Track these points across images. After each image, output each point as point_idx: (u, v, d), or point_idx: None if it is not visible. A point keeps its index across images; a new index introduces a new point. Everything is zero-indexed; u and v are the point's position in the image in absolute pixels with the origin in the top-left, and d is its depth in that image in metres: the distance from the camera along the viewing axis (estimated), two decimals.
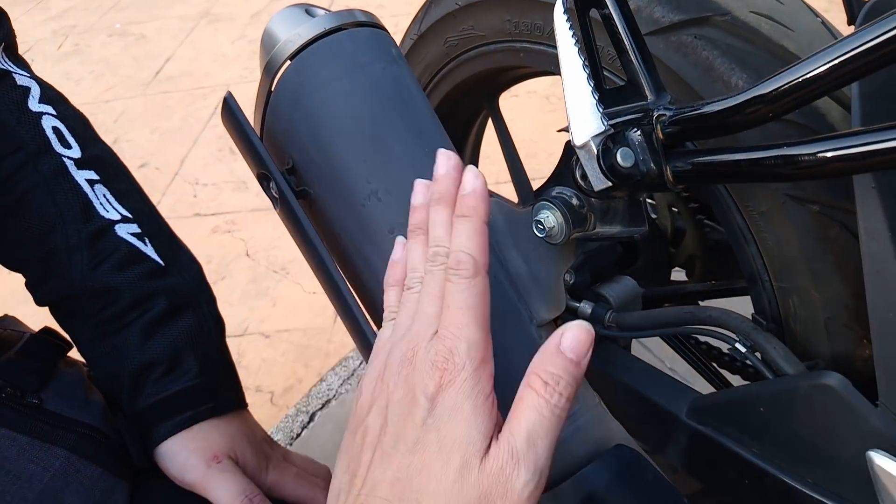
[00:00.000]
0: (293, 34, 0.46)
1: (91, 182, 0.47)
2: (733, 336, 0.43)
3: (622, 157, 0.32)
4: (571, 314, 0.51)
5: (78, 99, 0.52)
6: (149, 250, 0.47)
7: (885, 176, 0.34)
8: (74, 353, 0.50)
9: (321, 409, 1.03)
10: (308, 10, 0.49)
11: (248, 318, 1.20)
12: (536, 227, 0.39)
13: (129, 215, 0.48)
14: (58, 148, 0.47)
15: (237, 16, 2.44)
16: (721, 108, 0.30)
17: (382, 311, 0.43)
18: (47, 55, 2.41)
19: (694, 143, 0.37)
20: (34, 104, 0.47)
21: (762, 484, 0.42)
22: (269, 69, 0.47)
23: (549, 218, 0.38)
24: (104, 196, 0.48)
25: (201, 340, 0.46)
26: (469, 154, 0.76)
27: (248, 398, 0.50)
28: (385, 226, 0.42)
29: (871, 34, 0.24)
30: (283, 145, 0.46)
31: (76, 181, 0.46)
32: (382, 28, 0.48)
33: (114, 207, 0.48)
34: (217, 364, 0.46)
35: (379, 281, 0.43)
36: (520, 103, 1.65)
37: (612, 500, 0.40)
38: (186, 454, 0.42)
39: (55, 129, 0.48)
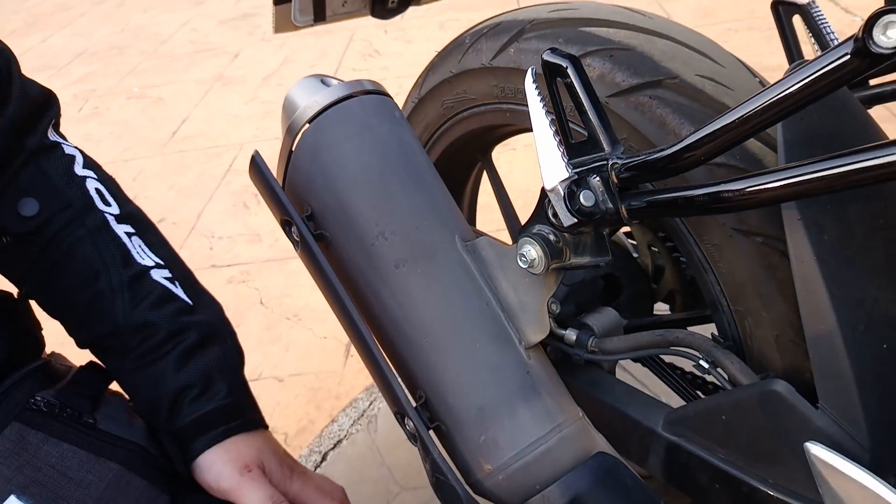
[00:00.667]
0: (311, 101, 0.54)
1: (128, 234, 0.54)
2: (697, 354, 0.49)
3: (584, 198, 0.39)
4: (558, 340, 0.57)
5: (99, 159, 0.59)
6: (179, 291, 0.54)
7: (808, 209, 0.40)
8: (114, 386, 0.56)
9: (333, 448, 1.07)
10: (323, 81, 0.57)
11: (263, 363, 1.25)
12: (520, 259, 0.46)
13: (161, 262, 0.54)
14: (100, 206, 0.54)
15: (249, 79, 2.58)
16: (662, 156, 0.37)
17: (396, 342, 0.49)
18: (69, 118, 2.54)
19: (651, 184, 0.44)
20: (79, 169, 0.55)
21: (729, 487, 0.47)
22: (290, 131, 0.55)
23: (531, 251, 0.45)
24: (140, 246, 0.54)
25: (227, 366, 0.51)
26: (467, 203, 0.84)
27: None
28: (391, 262, 0.49)
29: (760, 99, 0.31)
30: (302, 195, 0.53)
31: (116, 234, 0.53)
32: (387, 94, 0.55)
33: (148, 255, 0.54)
34: (242, 387, 0.52)
35: (389, 315, 0.49)
36: (517, 156, 1.74)
37: (594, 502, 0.45)
38: (221, 465, 0.47)
39: (97, 190, 0.55)
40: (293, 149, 0.55)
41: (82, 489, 0.43)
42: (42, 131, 0.52)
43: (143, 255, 0.54)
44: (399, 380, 0.49)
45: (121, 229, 0.54)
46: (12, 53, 0.51)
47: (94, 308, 0.51)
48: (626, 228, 0.74)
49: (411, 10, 0.76)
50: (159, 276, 0.53)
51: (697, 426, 0.48)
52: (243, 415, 0.50)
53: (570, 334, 0.56)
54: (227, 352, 0.53)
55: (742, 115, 0.33)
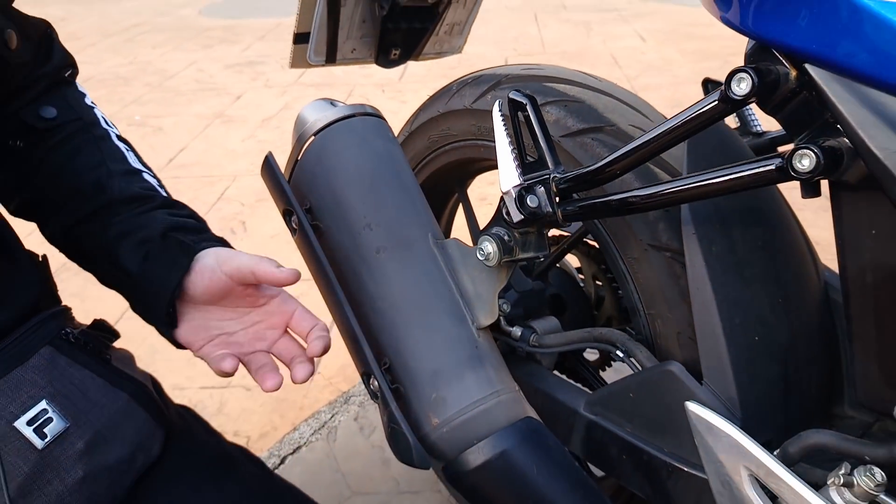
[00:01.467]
0: (320, 117, 0.66)
1: (126, 148, 0.62)
2: (615, 346, 0.59)
3: (531, 201, 0.51)
4: (506, 336, 0.67)
5: None
6: (164, 192, 0.62)
7: (701, 226, 0.52)
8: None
9: (292, 453, 1.13)
10: (331, 102, 0.69)
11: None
12: (479, 253, 0.57)
13: (150, 171, 0.62)
14: (104, 125, 0.62)
15: (250, 119, 2.73)
16: (588, 171, 0.49)
17: (370, 315, 0.59)
18: None
19: (578, 194, 0.56)
20: (88, 101, 0.63)
21: (633, 456, 0.57)
22: (300, 140, 0.66)
23: (488, 246, 0.56)
24: (133, 157, 0.62)
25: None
26: (444, 226, 0.95)
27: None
28: (374, 248, 0.59)
29: (659, 129, 0.44)
30: (304, 193, 0.64)
31: (116, 144, 0.61)
32: (383, 118, 0.68)
33: (140, 163, 0.62)
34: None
35: (366, 292, 0.59)
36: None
37: (519, 455, 0.54)
38: (235, 254, 0.56)
39: (102, 116, 0.63)
40: (300, 156, 0.66)
41: (97, 409, 0.51)
42: (65, 72, 0.62)
43: (137, 162, 0.62)
44: (368, 347, 0.58)
45: (119, 143, 0.62)
46: (51, 24, 0.62)
47: (94, 187, 0.58)
48: (577, 263, 0.86)
49: (410, 73, 0.89)
50: (149, 177, 0.62)
51: (611, 404, 0.58)
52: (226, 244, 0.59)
53: (516, 331, 0.67)
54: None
55: (644, 141, 0.45)
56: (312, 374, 0.59)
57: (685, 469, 0.53)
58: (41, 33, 0.60)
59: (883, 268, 0.41)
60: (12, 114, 0.58)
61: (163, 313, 0.55)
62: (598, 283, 0.84)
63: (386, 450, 1.13)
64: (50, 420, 0.49)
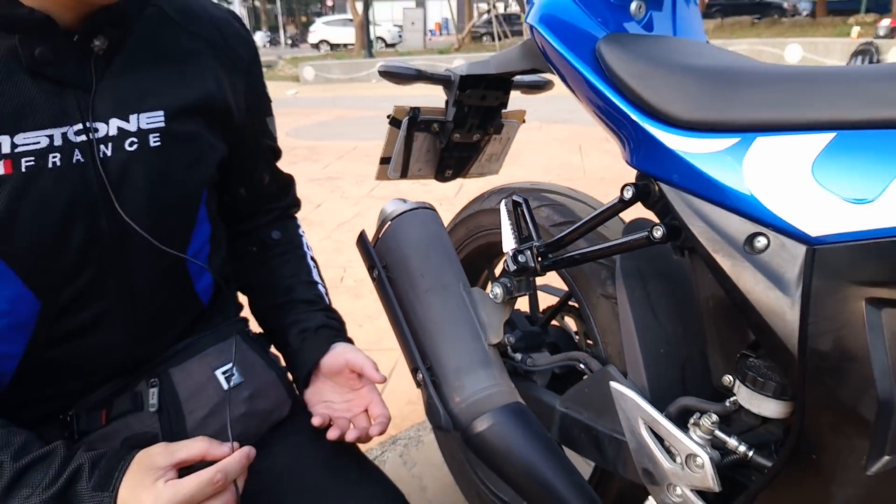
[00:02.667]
0: (395, 208, 1.02)
1: (313, 266, 0.95)
2: (580, 362, 0.89)
3: (521, 258, 0.84)
4: (510, 359, 0.98)
5: None
6: (327, 299, 0.94)
7: (628, 278, 0.84)
8: None
9: None
10: (403, 201, 1.06)
11: None
12: (491, 294, 0.90)
13: (323, 285, 0.94)
14: (306, 250, 0.96)
15: (326, 223, 3.20)
16: (552, 241, 0.82)
17: (419, 332, 0.91)
18: None
19: (550, 255, 0.88)
20: (301, 231, 0.98)
21: (587, 434, 0.85)
22: (382, 223, 1.03)
23: (496, 289, 0.89)
24: (317, 273, 0.94)
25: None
26: None
27: None
28: (424, 289, 0.93)
29: (590, 217, 0.77)
30: (382, 255, 0.99)
31: (310, 263, 0.94)
32: (436, 211, 1.04)
33: (319, 278, 0.94)
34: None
35: (417, 317, 0.92)
36: None
37: (509, 424, 0.83)
38: (355, 351, 0.82)
39: (306, 244, 0.97)
40: (381, 233, 1.03)
41: (258, 377, 0.82)
42: (294, 210, 0.97)
43: (316, 276, 0.95)
44: (417, 352, 0.90)
45: (310, 262, 0.94)
46: (293, 178, 0.97)
47: (286, 289, 0.90)
48: (574, 327, 1.17)
49: (464, 191, 1.27)
50: (321, 288, 0.94)
51: (575, 399, 0.87)
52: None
53: (517, 356, 0.98)
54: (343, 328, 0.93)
55: (581, 223, 0.78)
56: (366, 441, 0.80)
57: (617, 437, 0.81)
58: (286, 180, 0.96)
59: (716, 296, 0.72)
60: (254, 230, 0.91)
61: (303, 377, 0.83)
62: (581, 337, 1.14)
63: (423, 478, 1.39)
64: (233, 375, 0.80)
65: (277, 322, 0.88)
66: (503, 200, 0.90)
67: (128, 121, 0.66)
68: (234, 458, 0.63)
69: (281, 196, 0.94)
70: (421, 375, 0.89)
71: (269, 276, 0.90)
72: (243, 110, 0.79)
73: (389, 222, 1.02)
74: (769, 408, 0.66)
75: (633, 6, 0.84)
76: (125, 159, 0.66)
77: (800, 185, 0.59)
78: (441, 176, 1.25)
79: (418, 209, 1.02)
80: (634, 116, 0.71)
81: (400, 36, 23.93)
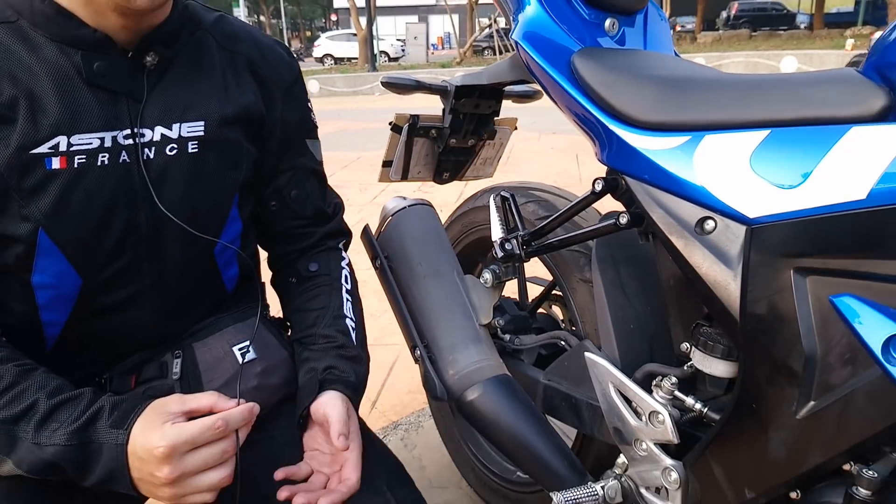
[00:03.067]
0: (396, 205, 1.13)
1: (347, 299, 0.93)
2: (563, 340, 0.99)
3: (508, 245, 0.95)
4: (501, 340, 1.08)
5: None
6: (353, 336, 0.86)
7: (601, 262, 0.94)
8: None
9: None
10: (403, 198, 1.17)
11: None
12: (482, 279, 1.00)
13: (354, 320, 0.87)
14: (343, 283, 0.90)
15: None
16: (535, 230, 0.93)
17: (417, 313, 1.02)
18: None
19: (534, 243, 0.99)
20: (343, 264, 0.93)
21: (566, 402, 0.95)
22: (384, 218, 1.14)
23: (486, 274, 1.00)
24: (349, 307, 0.91)
25: (363, 378, 0.86)
26: None
27: None
28: (422, 275, 1.03)
29: (566, 209, 0.88)
30: (384, 246, 1.10)
31: (343, 296, 0.89)
32: (433, 207, 1.14)
33: (350, 312, 0.88)
34: (361, 384, 0.84)
35: (416, 300, 1.03)
36: None
37: (497, 393, 0.94)
38: (337, 405, 0.75)
39: (345, 276, 0.92)
40: (383, 227, 1.14)
41: (272, 355, 0.88)
42: (338, 241, 0.95)
43: (348, 310, 0.89)
44: (416, 331, 1.01)
45: (344, 294, 0.91)
46: (342, 203, 0.98)
47: (312, 321, 0.87)
48: (561, 315, 1.27)
49: (464, 197, 1.38)
50: (349, 321, 0.88)
51: (558, 372, 0.98)
52: (357, 395, 0.82)
53: (506, 336, 1.08)
54: (364, 370, 0.87)
55: (560, 213, 0.89)
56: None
57: (593, 403, 0.91)
58: (331, 204, 0.95)
59: (675, 274, 0.82)
60: (294, 259, 0.93)
61: (296, 420, 0.79)
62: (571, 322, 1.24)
63: (423, 459, 1.49)
64: (248, 351, 0.86)
65: (297, 355, 0.88)
66: (492, 196, 1.00)
67: (171, 129, 0.75)
68: (237, 410, 0.67)
69: (319, 221, 0.94)
70: (419, 352, 0.99)
71: (299, 308, 0.91)
72: (278, 127, 0.85)
73: (391, 217, 1.13)
74: (719, 368, 0.76)
75: (607, 23, 0.96)
76: (165, 162, 0.75)
77: (740, 175, 0.70)
78: (439, 178, 1.36)
79: (417, 205, 1.13)
80: (603, 120, 0.82)
81: (403, 50, 24.24)
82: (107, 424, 0.65)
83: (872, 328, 0.61)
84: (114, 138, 0.72)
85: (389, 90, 1.22)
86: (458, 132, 1.22)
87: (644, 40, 1.01)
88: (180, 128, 0.76)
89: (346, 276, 0.92)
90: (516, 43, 0.93)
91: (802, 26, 20.04)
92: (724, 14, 23.34)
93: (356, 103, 10.53)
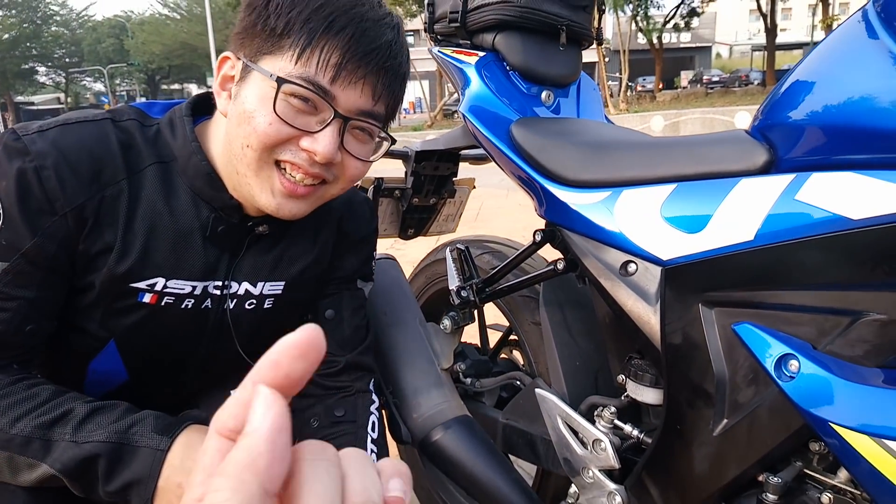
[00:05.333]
0: None
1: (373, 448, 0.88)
2: (518, 380, 1.07)
3: (464, 293, 1.04)
4: (462, 383, 1.16)
5: None
6: None
7: (549, 307, 1.03)
8: None
9: None
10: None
11: None
12: (442, 325, 1.09)
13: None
14: (369, 430, 0.87)
15: None
16: (487, 277, 1.02)
17: (383, 360, 1.10)
18: None
19: (486, 290, 1.08)
20: (372, 408, 0.90)
21: (523, 439, 1.02)
22: None
23: (446, 321, 1.09)
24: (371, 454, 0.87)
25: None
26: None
27: None
28: (387, 324, 1.11)
29: (511, 259, 0.98)
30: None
31: (366, 444, 0.86)
32: (397, 261, 1.24)
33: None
34: None
35: (381, 347, 1.11)
36: None
37: (459, 434, 1.01)
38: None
39: (372, 423, 0.89)
40: None
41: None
42: (368, 381, 0.92)
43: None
44: (382, 378, 1.08)
45: (370, 446, 0.87)
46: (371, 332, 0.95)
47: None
48: (521, 360, 1.35)
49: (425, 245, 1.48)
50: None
51: (514, 410, 1.05)
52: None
53: (468, 380, 1.16)
54: None
55: (506, 262, 0.99)
56: None
57: (545, 437, 0.99)
58: (360, 335, 0.92)
59: (608, 313, 0.92)
60: (319, 398, 0.89)
61: None
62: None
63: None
64: None
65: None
66: (448, 248, 1.10)
67: (255, 286, 0.80)
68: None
69: (347, 348, 0.91)
70: (384, 398, 1.06)
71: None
72: (340, 272, 0.90)
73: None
74: (648, 395, 0.85)
75: (543, 95, 1.09)
76: (241, 313, 0.81)
77: (654, 223, 0.81)
78: (404, 234, 1.46)
79: (381, 259, 1.22)
80: (539, 179, 0.93)
81: None
82: (150, 429, 0.67)
83: (766, 351, 0.71)
84: (205, 288, 0.77)
85: None
86: (420, 192, 1.33)
87: (577, 108, 1.14)
88: (263, 286, 0.81)
89: (373, 423, 0.89)
90: (463, 115, 1.05)
91: (755, 83, 21.13)
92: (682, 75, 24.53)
93: None
